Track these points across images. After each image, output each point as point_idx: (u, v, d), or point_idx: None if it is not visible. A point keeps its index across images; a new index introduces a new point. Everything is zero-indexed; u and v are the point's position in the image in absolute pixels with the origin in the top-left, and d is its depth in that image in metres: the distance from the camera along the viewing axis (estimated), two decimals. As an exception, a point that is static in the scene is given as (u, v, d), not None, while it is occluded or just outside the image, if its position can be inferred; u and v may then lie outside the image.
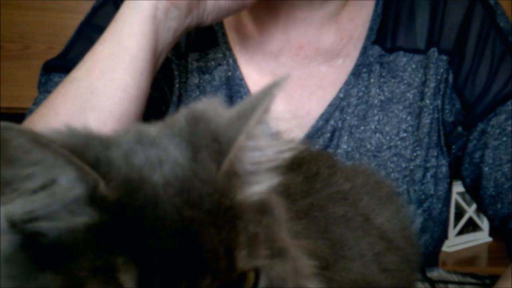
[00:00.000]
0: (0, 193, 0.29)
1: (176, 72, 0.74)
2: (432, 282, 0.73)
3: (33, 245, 0.30)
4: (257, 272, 0.32)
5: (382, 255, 0.46)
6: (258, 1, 0.72)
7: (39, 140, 0.28)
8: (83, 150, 0.30)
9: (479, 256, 1.67)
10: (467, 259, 1.64)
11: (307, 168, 0.48)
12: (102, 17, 0.77)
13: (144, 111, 0.74)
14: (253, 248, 0.31)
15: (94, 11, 0.79)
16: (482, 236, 1.72)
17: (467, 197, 1.70)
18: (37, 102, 0.74)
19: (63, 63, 0.75)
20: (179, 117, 0.35)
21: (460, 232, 1.69)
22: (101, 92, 0.60)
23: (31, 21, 1.41)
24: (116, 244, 0.29)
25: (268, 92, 0.32)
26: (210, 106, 0.35)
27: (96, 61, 0.61)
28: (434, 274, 0.76)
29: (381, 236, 0.48)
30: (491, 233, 1.72)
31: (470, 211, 1.68)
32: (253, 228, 0.31)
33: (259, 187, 0.33)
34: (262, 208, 0.33)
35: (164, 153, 0.32)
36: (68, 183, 0.29)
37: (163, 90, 0.74)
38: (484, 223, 1.73)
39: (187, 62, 0.74)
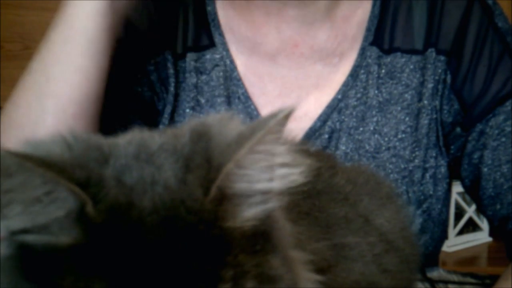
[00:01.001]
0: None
1: (171, 71, 0.74)
2: (432, 282, 0.73)
3: (23, 256, 0.30)
4: None
5: (382, 256, 0.47)
6: (249, 2, 0.73)
7: (24, 164, 0.28)
8: (75, 166, 0.30)
9: (479, 256, 1.67)
10: (467, 259, 1.64)
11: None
12: None
13: (140, 109, 0.74)
14: (239, 282, 0.30)
15: None
16: (482, 236, 1.72)
17: (467, 197, 1.70)
18: None
19: None
20: (186, 129, 0.34)
21: (460, 232, 1.69)
22: (58, 78, 0.60)
23: (31, 21, 1.41)
24: (97, 269, 0.28)
25: (264, 123, 0.31)
26: (218, 123, 0.33)
27: (49, 48, 0.61)
28: (434, 274, 0.76)
29: (381, 237, 0.48)
30: (491, 233, 1.72)
31: (470, 211, 1.68)
32: (242, 258, 0.30)
33: (252, 212, 0.31)
34: (256, 232, 0.31)
35: (158, 173, 0.31)
36: (58, 201, 0.29)
37: (158, 89, 0.74)
38: (484, 223, 1.73)
39: (185, 62, 0.74)
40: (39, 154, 0.30)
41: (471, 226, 1.72)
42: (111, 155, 0.32)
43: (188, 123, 0.35)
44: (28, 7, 1.40)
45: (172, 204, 0.29)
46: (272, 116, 0.31)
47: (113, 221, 0.29)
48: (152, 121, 0.74)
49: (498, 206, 0.70)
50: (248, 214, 0.31)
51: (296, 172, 0.32)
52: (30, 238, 0.30)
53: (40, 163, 0.28)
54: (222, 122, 0.33)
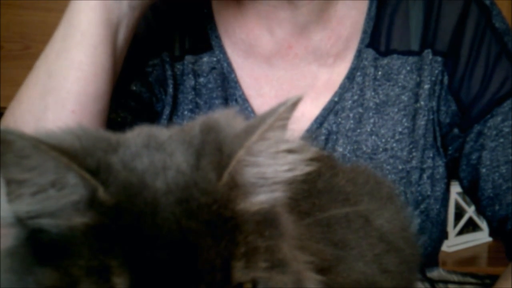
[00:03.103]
0: (7, 191, 0.30)
1: (169, 73, 0.74)
2: (432, 282, 0.73)
3: (35, 240, 0.31)
4: (254, 283, 0.31)
5: (382, 256, 0.47)
6: (241, 5, 0.73)
7: (39, 146, 0.29)
8: (85, 155, 0.30)
9: (479, 256, 1.67)
10: (467, 259, 1.64)
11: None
12: None
13: (138, 110, 0.74)
14: (251, 260, 0.31)
15: None
16: (482, 236, 1.72)
17: (467, 197, 1.70)
18: None
19: None
20: (196, 124, 0.35)
21: (460, 232, 1.70)
22: (57, 74, 0.60)
23: (31, 21, 1.41)
24: (112, 247, 0.29)
25: (274, 111, 0.32)
26: (226, 117, 0.35)
27: (52, 45, 0.62)
28: (434, 274, 0.76)
29: (381, 237, 0.48)
30: (491, 233, 1.72)
31: (470, 211, 1.68)
32: (253, 239, 0.31)
33: (262, 198, 0.32)
34: (265, 219, 0.32)
35: (169, 159, 0.31)
36: (68, 187, 0.29)
37: (156, 91, 0.74)
38: (484, 223, 1.73)
39: (183, 65, 0.74)
40: (51, 141, 0.30)
41: (471, 226, 1.73)
42: (119, 145, 0.32)
43: (197, 119, 0.36)
44: (28, 7, 1.40)
45: (185, 186, 0.30)
46: (281, 104, 0.32)
47: (126, 202, 0.30)
48: (150, 123, 0.74)
49: (497, 207, 0.70)
50: (258, 199, 0.32)
51: (303, 159, 0.33)
52: (43, 222, 0.30)
53: (54, 148, 0.29)
54: (229, 117, 0.35)
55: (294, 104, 0.32)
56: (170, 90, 0.74)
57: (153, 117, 0.75)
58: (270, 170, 0.32)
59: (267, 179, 0.32)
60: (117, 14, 0.62)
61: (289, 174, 0.33)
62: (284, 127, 0.32)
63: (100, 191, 0.29)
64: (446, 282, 0.74)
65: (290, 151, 0.33)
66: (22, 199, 0.30)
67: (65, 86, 0.60)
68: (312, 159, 0.34)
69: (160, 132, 0.34)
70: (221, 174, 0.31)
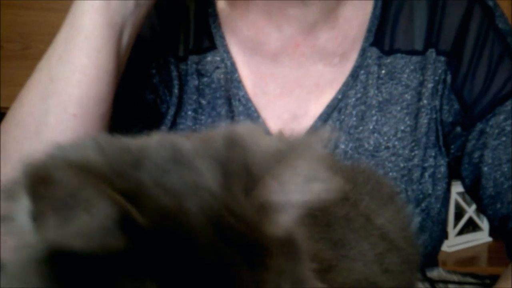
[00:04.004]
0: (34, 211, 0.29)
1: (175, 73, 0.74)
2: (432, 282, 0.73)
3: (59, 262, 0.30)
4: None
5: (383, 256, 0.47)
6: (249, 4, 0.73)
7: (68, 170, 0.28)
8: (115, 173, 0.30)
9: (479, 256, 1.67)
10: (467, 259, 1.64)
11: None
12: None
13: (142, 112, 0.74)
14: (279, 283, 0.31)
15: None
16: (482, 236, 1.72)
17: (467, 197, 1.70)
18: None
19: None
20: (217, 136, 0.34)
21: (460, 232, 1.70)
22: (59, 77, 0.60)
23: (31, 21, 1.41)
24: (148, 271, 0.29)
25: (306, 141, 0.32)
26: (250, 133, 0.34)
27: (55, 48, 0.62)
28: (434, 274, 0.76)
29: (382, 236, 0.48)
30: (491, 233, 1.73)
31: (470, 211, 1.68)
32: (280, 262, 0.31)
33: (286, 221, 0.32)
34: (288, 240, 0.33)
35: (199, 177, 0.31)
36: (101, 210, 0.29)
37: (161, 92, 0.74)
38: (484, 223, 1.73)
39: (187, 65, 0.74)
40: (77, 160, 0.30)
41: (471, 226, 1.73)
42: (143, 157, 0.32)
43: (217, 130, 0.35)
44: (28, 7, 1.40)
45: (217, 209, 0.30)
46: (313, 134, 0.32)
47: (161, 226, 0.29)
48: (153, 124, 0.75)
49: (498, 205, 0.70)
50: (282, 222, 0.32)
51: (329, 189, 0.33)
52: (73, 245, 0.29)
53: (82, 170, 0.28)
54: (254, 132, 0.34)
55: (328, 137, 0.32)
56: (176, 91, 0.74)
57: (156, 119, 0.75)
58: (295, 197, 0.32)
59: (292, 204, 0.32)
60: (122, 14, 0.61)
61: (313, 201, 0.33)
62: (313, 157, 0.32)
63: (134, 213, 0.29)
64: (446, 282, 0.74)
65: (316, 180, 0.32)
66: (51, 222, 0.29)
67: (67, 90, 0.59)
68: (337, 189, 0.34)
69: (182, 143, 0.33)
70: (250, 197, 0.31)
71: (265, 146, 0.33)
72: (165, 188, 0.30)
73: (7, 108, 1.51)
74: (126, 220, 0.28)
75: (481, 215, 1.73)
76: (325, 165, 0.32)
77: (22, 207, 0.29)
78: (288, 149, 0.32)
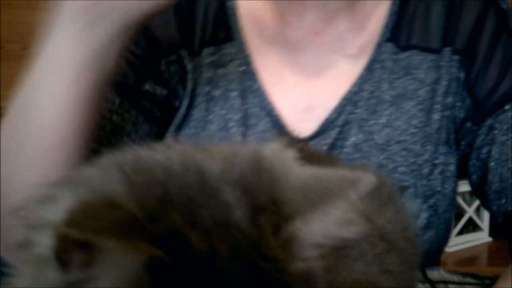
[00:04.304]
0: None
1: (189, 67, 0.74)
2: (432, 282, 0.73)
3: None
4: None
5: (383, 256, 0.47)
6: None
7: (106, 223, 0.27)
8: (144, 216, 0.29)
9: (479, 256, 1.67)
10: (467, 259, 1.65)
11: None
12: None
13: (153, 110, 0.75)
14: None
15: None
16: (482, 236, 1.72)
17: (467, 197, 1.70)
18: None
19: None
20: (242, 157, 0.33)
21: (460, 232, 1.70)
22: (36, 106, 0.57)
23: (31, 21, 1.40)
24: None
25: (342, 190, 0.31)
26: (279, 159, 0.33)
27: (32, 75, 0.58)
28: (434, 274, 0.76)
29: (382, 237, 0.48)
30: (491, 233, 1.73)
31: (470, 211, 1.68)
32: None
33: (311, 259, 0.32)
34: (311, 275, 0.32)
35: (227, 212, 0.30)
36: (129, 262, 0.28)
37: (173, 87, 0.75)
38: (484, 223, 1.73)
39: (201, 57, 0.75)
40: (105, 200, 0.29)
41: (471, 226, 1.73)
42: (171, 188, 0.31)
43: (241, 149, 0.34)
44: (28, 7, 1.40)
45: (247, 249, 0.30)
46: (352, 183, 0.31)
47: (195, 272, 0.29)
48: (164, 120, 0.75)
49: (503, 201, 0.71)
50: (307, 261, 0.32)
51: (357, 232, 0.33)
52: None
53: (109, 219, 0.28)
54: (280, 158, 0.33)
55: (365, 189, 0.32)
56: (190, 84, 0.74)
57: (167, 115, 0.75)
58: (322, 239, 0.32)
59: (318, 245, 0.32)
60: (104, 39, 0.56)
61: (339, 242, 0.33)
62: (348, 207, 0.31)
63: (168, 261, 0.28)
64: (446, 282, 0.74)
65: (346, 224, 0.32)
66: (75, 263, 0.29)
67: (44, 118, 0.57)
68: (363, 232, 0.33)
69: (208, 167, 0.32)
70: (278, 236, 0.30)
71: (294, 179, 0.32)
72: (196, 227, 0.29)
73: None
74: (157, 266, 0.28)
75: (481, 215, 1.73)
76: (354, 209, 0.32)
77: (45, 240, 0.29)
78: (318, 187, 0.31)
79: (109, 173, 0.31)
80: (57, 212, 0.29)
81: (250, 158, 0.33)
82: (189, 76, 0.74)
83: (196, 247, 0.29)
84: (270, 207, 0.31)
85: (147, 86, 0.73)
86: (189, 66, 0.74)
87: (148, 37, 0.73)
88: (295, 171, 0.33)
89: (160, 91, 0.74)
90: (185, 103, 0.74)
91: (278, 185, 0.32)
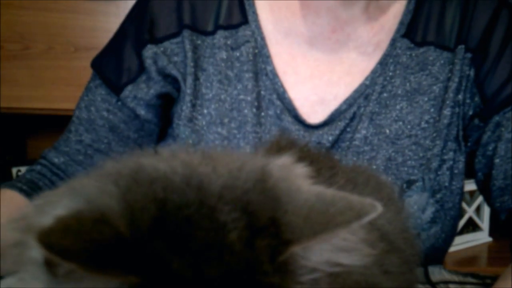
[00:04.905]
0: None
1: (188, 46, 0.75)
2: (432, 282, 0.73)
3: None
4: None
5: (383, 257, 0.46)
6: None
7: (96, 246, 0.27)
8: (135, 238, 0.28)
9: (479, 256, 1.67)
10: (467, 259, 1.64)
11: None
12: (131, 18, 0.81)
13: (160, 102, 0.77)
14: None
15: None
16: (482, 236, 1.72)
17: (467, 197, 1.70)
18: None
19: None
20: (248, 172, 0.32)
21: (460, 232, 1.69)
22: None
23: (31, 21, 1.41)
24: None
25: (347, 220, 0.30)
26: (286, 177, 0.32)
27: None
28: (435, 274, 0.76)
29: (382, 237, 0.48)
30: (491, 233, 1.73)
31: (470, 211, 1.68)
32: None
33: (308, 283, 0.31)
34: None
35: (223, 233, 0.29)
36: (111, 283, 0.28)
37: (178, 66, 0.76)
38: (484, 223, 1.73)
39: (215, 39, 0.76)
40: (98, 219, 0.28)
41: (471, 226, 1.72)
42: (168, 203, 0.30)
43: (246, 160, 0.33)
44: (28, 7, 1.40)
45: (240, 274, 0.29)
46: (357, 212, 0.30)
47: None
48: (171, 109, 0.77)
49: (506, 197, 0.72)
50: (305, 284, 0.31)
51: (356, 259, 0.32)
52: None
53: (99, 243, 0.27)
54: (288, 176, 0.32)
55: (369, 220, 0.30)
56: (190, 62, 0.75)
57: (173, 98, 0.78)
58: (320, 265, 0.31)
59: (317, 269, 0.31)
60: None
61: (338, 267, 0.32)
62: (349, 236, 0.31)
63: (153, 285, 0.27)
64: (446, 282, 0.74)
65: (346, 252, 0.31)
66: (61, 272, 0.29)
67: None
68: (365, 258, 0.32)
69: (209, 181, 0.31)
70: (275, 260, 0.29)
71: (298, 201, 0.31)
72: (186, 251, 0.29)
73: (7, 108, 1.51)
74: None
75: (481, 215, 1.73)
76: (356, 238, 0.31)
77: (36, 249, 0.29)
78: (321, 212, 0.30)
79: (107, 186, 0.31)
80: (48, 217, 0.29)
81: (255, 174, 0.32)
82: (188, 54, 0.75)
83: (179, 273, 0.28)
84: (269, 229, 0.30)
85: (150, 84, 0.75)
86: (187, 46, 0.75)
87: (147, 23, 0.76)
88: (301, 192, 0.32)
89: (171, 69, 0.76)
90: (189, 80, 0.75)
91: (280, 206, 0.31)
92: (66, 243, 0.27)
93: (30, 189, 0.72)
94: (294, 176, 0.33)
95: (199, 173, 0.32)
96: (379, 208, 0.31)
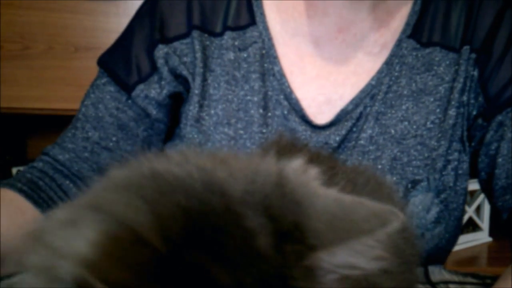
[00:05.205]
0: None
1: (197, 47, 0.76)
2: (432, 282, 0.73)
3: None
4: None
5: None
6: None
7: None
8: (164, 249, 0.28)
9: (479, 256, 1.67)
10: (467, 259, 1.64)
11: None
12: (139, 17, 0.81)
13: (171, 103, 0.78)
14: None
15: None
16: (482, 236, 1.72)
17: (467, 197, 1.70)
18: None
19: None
20: (264, 176, 0.32)
21: (460, 232, 1.69)
22: None
23: (31, 21, 1.41)
24: None
25: (372, 229, 0.31)
26: (303, 181, 0.32)
27: None
28: (435, 274, 0.76)
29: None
30: (491, 233, 1.73)
31: (470, 211, 1.68)
32: None
33: (331, 285, 0.32)
34: None
35: (252, 240, 0.29)
36: None
37: (187, 66, 0.76)
38: (484, 223, 1.73)
39: (223, 40, 0.77)
40: (125, 232, 0.28)
41: (471, 226, 1.73)
42: (194, 212, 0.30)
43: (258, 163, 0.33)
44: (28, 7, 1.40)
45: (273, 280, 0.29)
46: (381, 221, 0.31)
47: None
48: (180, 97, 0.78)
49: (508, 197, 0.72)
50: (325, 284, 0.31)
51: (374, 263, 0.32)
52: None
53: (126, 261, 0.27)
54: (302, 178, 0.32)
55: (394, 229, 0.31)
56: (199, 62, 0.76)
57: (181, 97, 0.79)
58: (346, 271, 0.31)
59: (335, 271, 0.32)
60: None
61: (356, 271, 0.32)
62: (375, 245, 0.31)
63: None
64: (446, 282, 0.74)
65: (365, 256, 0.32)
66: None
67: None
68: (383, 265, 0.33)
69: (231, 188, 0.31)
70: (301, 265, 0.30)
71: (318, 205, 0.31)
72: (221, 260, 0.29)
73: (7, 108, 1.51)
74: None
75: (481, 215, 1.73)
76: (378, 243, 0.31)
77: (67, 269, 0.28)
78: (344, 218, 0.30)
79: (132, 201, 0.30)
80: (79, 240, 0.29)
81: (272, 178, 0.32)
82: (197, 55, 0.76)
83: (222, 283, 0.28)
84: (294, 234, 0.30)
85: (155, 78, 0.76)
86: (197, 46, 0.76)
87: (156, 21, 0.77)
88: (319, 196, 0.32)
89: (181, 70, 0.76)
90: (197, 80, 0.76)
91: (302, 210, 0.31)
92: (117, 275, 0.27)
93: (30, 190, 0.71)
94: (310, 180, 0.33)
95: (217, 178, 0.32)
96: (401, 216, 0.31)
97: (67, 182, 0.75)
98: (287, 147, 0.53)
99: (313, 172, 0.34)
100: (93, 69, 0.82)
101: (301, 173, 0.33)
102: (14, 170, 1.54)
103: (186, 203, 0.30)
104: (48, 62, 1.40)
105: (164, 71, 0.76)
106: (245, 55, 0.76)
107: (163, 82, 0.77)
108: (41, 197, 0.71)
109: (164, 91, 0.77)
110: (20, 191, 0.70)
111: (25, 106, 1.42)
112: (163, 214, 0.30)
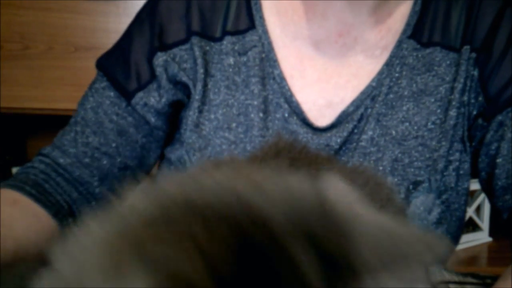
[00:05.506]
0: None
1: (197, 53, 0.76)
2: (432, 282, 0.73)
3: None
4: None
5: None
6: None
7: None
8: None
9: (479, 256, 1.67)
10: (467, 259, 1.64)
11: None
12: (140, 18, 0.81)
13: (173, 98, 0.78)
14: None
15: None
16: (482, 236, 1.72)
17: (468, 197, 1.70)
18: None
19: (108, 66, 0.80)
20: (303, 199, 0.31)
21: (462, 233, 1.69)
22: None
23: (31, 21, 1.41)
24: None
25: (418, 254, 0.30)
26: (346, 205, 0.31)
27: None
28: (435, 274, 0.76)
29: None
30: (491, 233, 1.73)
31: (470, 211, 1.68)
32: None
33: None
34: None
35: (298, 271, 0.28)
36: None
37: (187, 73, 0.76)
38: (484, 223, 1.73)
39: (223, 45, 0.77)
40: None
41: (471, 226, 1.73)
42: (243, 249, 0.29)
43: (293, 182, 0.32)
44: (28, 7, 1.40)
45: None
46: (428, 246, 0.31)
47: None
48: (182, 101, 0.78)
49: (508, 196, 0.72)
50: None
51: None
52: None
53: None
54: (342, 199, 0.31)
55: (439, 253, 0.31)
56: (200, 68, 0.76)
57: (183, 102, 0.79)
58: None
59: None
60: None
61: None
62: (417, 263, 0.31)
63: None
64: (446, 282, 0.74)
65: (409, 281, 0.31)
66: None
67: None
68: None
69: (271, 215, 0.29)
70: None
71: (364, 232, 0.30)
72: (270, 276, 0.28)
73: (7, 108, 1.51)
74: None
75: (481, 215, 1.73)
76: (427, 274, 0.31)
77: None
78: (391, 246, 0.30)
79: (177, 243, 0.28)
80: None
81: (313, 201, 0.31)
82: (198, 61, 0.76)
83: None
84: (341, 265, 0.29)
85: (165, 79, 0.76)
86: (197, 53, 0.76)
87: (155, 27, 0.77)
88: (363, 222, 0.31)
89: (182, 76, 0.76)
90: (198, 86, 0.76)
91: (348, 239, 0.30)
92: None
93: (38, 193, 0.70)
94: (352, 202, 0.32)
95: (256, 207, 0.30)
96: (448, 243, 0.31)
97: (70, 187, 0.75)
98: (285, 149, 0.53)
99: (354, 192, 0.33)
100: (93, 69, 0.82)
101: (342, 194, 0.32)
102: (14, 170, 1.54)
103: (232, 239, 0.28)
104: (48, 62, 1.40)
105: (163, 79, 0.76)
106: (244, 59, 0.76)
107: (162, 91, 0.77)
108: (49, 200, 0.71)
109: (163, 100, 0.77)
110: (30, 195, 0.69)
111: (25, 106, 1.42)
112: (209, 254, 0.28)
